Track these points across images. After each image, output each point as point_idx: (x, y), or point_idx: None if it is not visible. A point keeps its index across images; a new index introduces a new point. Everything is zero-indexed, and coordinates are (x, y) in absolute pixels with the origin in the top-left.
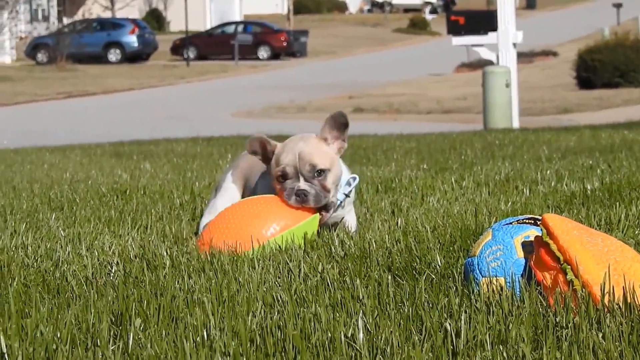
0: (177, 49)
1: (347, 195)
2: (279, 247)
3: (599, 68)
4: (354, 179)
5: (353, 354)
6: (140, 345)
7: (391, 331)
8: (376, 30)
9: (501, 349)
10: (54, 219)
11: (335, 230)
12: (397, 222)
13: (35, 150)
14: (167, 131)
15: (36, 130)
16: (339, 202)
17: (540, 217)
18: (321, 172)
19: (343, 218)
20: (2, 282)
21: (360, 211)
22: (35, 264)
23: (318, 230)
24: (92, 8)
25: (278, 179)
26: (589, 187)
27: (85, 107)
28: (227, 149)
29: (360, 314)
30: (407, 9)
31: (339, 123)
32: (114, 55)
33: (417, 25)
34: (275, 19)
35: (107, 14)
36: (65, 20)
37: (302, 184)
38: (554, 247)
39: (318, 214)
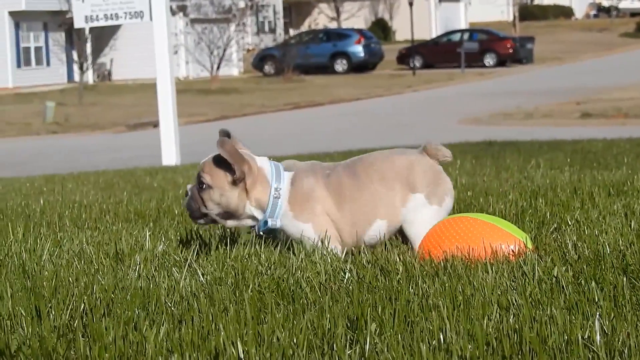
0: (403, 58)
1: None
2: (512, 250)
3: None
4: (266, 223)
5: (590, 356)
6: (377, 349)
7: (628, 333)
8: (602, 35)
9: None
10: None
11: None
12: (631, 225)
13: None
14: (393, 140)
15: (264, 140)
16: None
17: None
18: (202, 184)
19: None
20: (237, 289)
21: (591, 214)
22: (268, 271)
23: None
24: (318, 19)
25: None
26: None
27: (312, 117)
28: (456, 156)
29: (597, 316)
30: (633, 13)
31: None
32: (340, 65)
33: None
34: (501, 26)
35: (333, 25)
36: (292, 32)
37: (190, 186)
38: None
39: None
